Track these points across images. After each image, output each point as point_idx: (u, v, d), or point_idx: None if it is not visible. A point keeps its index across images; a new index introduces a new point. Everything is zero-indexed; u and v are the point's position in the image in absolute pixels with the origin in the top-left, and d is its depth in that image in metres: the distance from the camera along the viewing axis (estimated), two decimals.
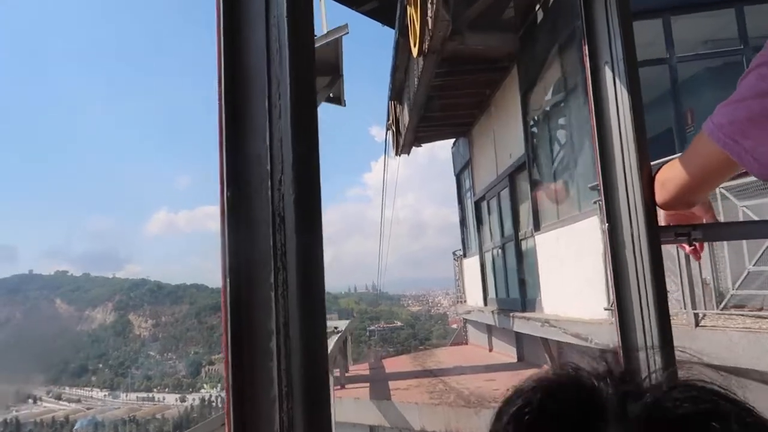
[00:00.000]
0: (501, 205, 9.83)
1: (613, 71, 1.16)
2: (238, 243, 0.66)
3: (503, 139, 9.40)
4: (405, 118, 11.05)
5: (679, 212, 1.13)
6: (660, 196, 1.07)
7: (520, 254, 8.90)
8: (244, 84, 0.69)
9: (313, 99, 0.69)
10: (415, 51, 7.75)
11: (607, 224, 1.14)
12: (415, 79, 8.84)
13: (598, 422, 0.33)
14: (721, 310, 4.65)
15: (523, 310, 8.82)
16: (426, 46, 7.69)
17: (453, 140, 13.26)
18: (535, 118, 7.87)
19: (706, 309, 4.80)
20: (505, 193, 9.38)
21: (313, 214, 0.68)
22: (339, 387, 8.43)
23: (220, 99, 0.67)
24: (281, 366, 0.63)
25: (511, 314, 8.65)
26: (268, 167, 0.66)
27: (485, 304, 11.17)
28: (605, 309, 5.96)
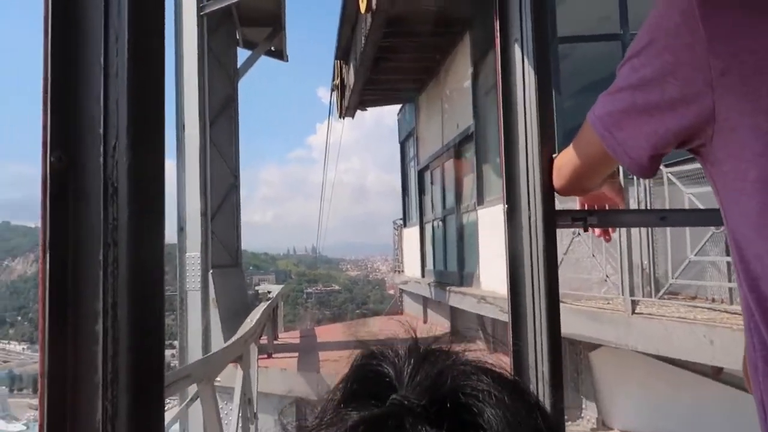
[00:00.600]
0: (444, 177, 9.61)
1: (522, 50, 1.14)
2: (62, 214, 0.59)
3: (451, 108, 9.10)
4: (351, 79, 10.59)
5: (594, 195, 1.15)
6: (556, 181, 1.08)
7: (461, 228, 8.75)
8: (75, 33, 0.61)
9: (160, 53, 0.62)
10: (363, 7, 7.27)
11: (506, 205, 1.15)
12: (362, 38, 8.38)
13: (392, 388, 0.38)
14: (658, 298, 4.54)
15: (460, 284, 8.70)
16: (374, 2, 7.19)
17: (399, 106, 12.82)
18: (486, 88, 7.56)
19: (643, 296, 4.69)
20: (450, 165, 9.16)
21: (152, 186, 0.62)
22: (266, 356, 8.10)
23: (45, 50, 0.59)
24: (107, 351, 0.58)
25: (448, 288, 8.53)
26: (101, 131, 0.60)
27: (423, 275, 11.05)
28: None
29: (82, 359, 0.58)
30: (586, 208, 1.21)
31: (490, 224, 7.34)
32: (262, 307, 8.27)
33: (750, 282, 0.68)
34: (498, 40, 1.19)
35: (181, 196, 9.46)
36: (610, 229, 1.21)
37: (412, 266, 12.16)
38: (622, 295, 4.70)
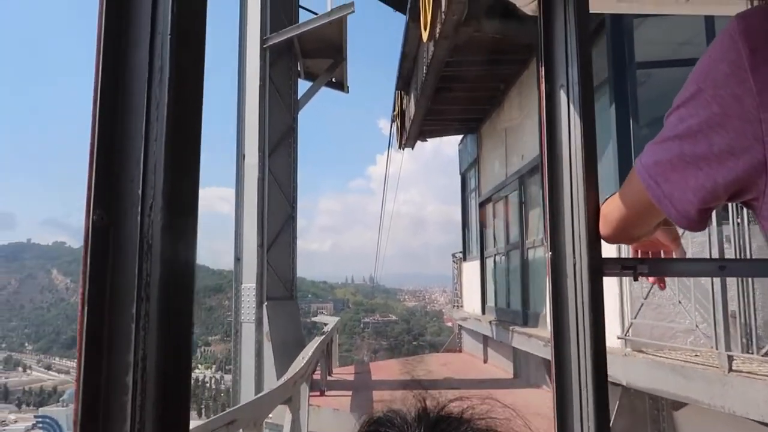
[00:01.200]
0: (508, 209, 9.16)
1: (567, 96, 1.14)
2: (101, 269, 0.63)
3: (515, 138, 8.70)
4: (411, 110, 10.40)
5: (647, 241, 1.11)
6: (603, 229, 1.07)
7: (525, 264, 8.26)
8: (122, 101, 0.66)
9: (197, 122, 0.67)
10: (425, 35, 7.08)
11: (550, 252, 1.12)
12: (424, 68, 8.15)
13: None
14: (763, 354, 3.92)
15: (524, 324, 8.16)
16: (438, 30, 6.98)
17: (460, 137, 12.48)
18: None
19: (740, 350, 4.08)
20: (514, 197, 8.72)
21: (184, 245, 0.65)
22: (318, 393, 7.78)
23: (93, 119, 0.65)
24: (136, 402, 0.61)
25: (511, 328, 8.05)
26: (139, 191, 0.64)
27: (483, 312, 10.53)
28: (618, 338, 5.26)
29: (112, 409, 0.61)
30: (639, 254, 1.17)
31: None
32: (316, 342, 8.00)
33: None
34: (542, 86, 1.19)
35: (238, 225, 9.40)
36: (663, 282, 1.17)
37: (471, 302, 11.67)
38: (716, 348, 4.11)
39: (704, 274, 1.38)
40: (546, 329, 7.36)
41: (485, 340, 10.68)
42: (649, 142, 0.82)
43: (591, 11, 1.23)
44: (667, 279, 1.19)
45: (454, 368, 10.55)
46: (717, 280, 4.29)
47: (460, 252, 13.04)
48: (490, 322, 9.61)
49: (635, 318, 5.11)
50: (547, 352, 6.77)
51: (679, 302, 4.66)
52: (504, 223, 9.66)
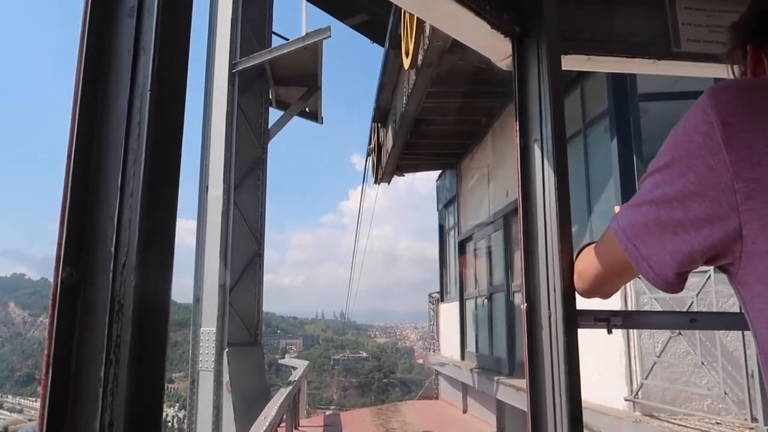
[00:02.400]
0: (491, 249, 8.56)
1: (541, 150, 1.18)
2: (69, 328, 0.61)
3: (500, 174, 8.17)
4: (388, 142, 9.85)
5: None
6: (578, 283, 1.10)
7: (511, 308, 7.65)
8: (98, 154, 0.65)
9: (175, 179, 0.66)
10: (407, 63, 6.55)
11: (525, 304, 1.16)
12: (404, 99, 7.56)
13: None
14: None
15: (510, 374, 7.46)
16: (420, 58, 6.39)
17: (438, 172, 11.92)
18: None
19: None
20: (498, 236, 8.15)
21: (158, 304, 0.63)
22: None
23: (67, 171, 0.63)
24: None
25: (496, 378, 7.31)
26: (112, 249, 0.63)
27: (462, 358, 9.82)
28: (626, 399, 4.58)
29: None
30: None
31: None
32: (281, 396, 7.14)
33: None
34: (517, 140, 1.25)
35: (198, 262, 8.53)
36: None
37: (450, 346, 10.99)
38: (751, 419, 3.47)
39: (675, 326, 1.42)
40: None
41: (465, 389, 9.95)
42: (623, 204, 0.86)
43: (564, 68, 1.28)
44: (685, 333, 1.32)
45: (432, 419, 9.75)
46: (737, 335, 3.71)
47: (437, 292, 12.34)
48: (471, 370, 8.91)
49: (646, 378, 4.45)
50: None
51: (702, 363, 4.03)
52: (486, 263, 9.07)
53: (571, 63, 1.45)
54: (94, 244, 0.61)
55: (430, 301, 13.23)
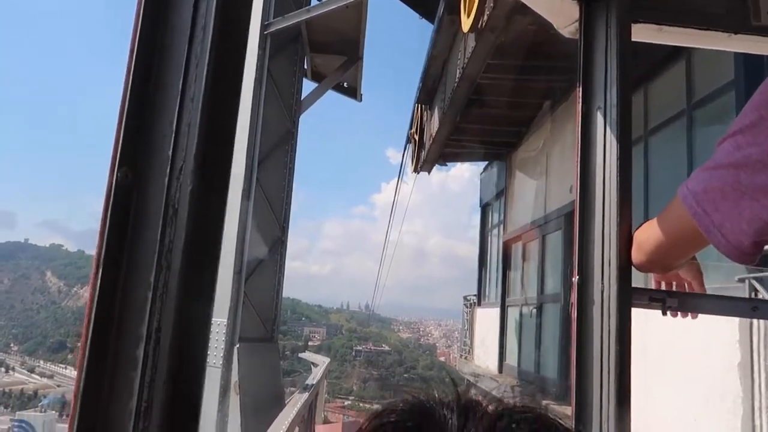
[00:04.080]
0: (545, 252, 7.32)
1: (605, 118, 1.17)
2: (121, 231, 0.59)
3: (560, 167, 7.01)
4: (433, 126, 8.71)
5: (669, 274, 1.14)
6: (635, 256, 1.07)
7: (566, 321, 6.46)
8: (160, 55, 0.62)
9: (238, 85, 0.65)
10: (466, 24, 5.39)
11: (577, 277, 1.14)
12: (458, 72, 6.43)
13: None
14: None
15: (561, 399, 6.26)
16: (485, 18, 5.22)
17: (484, 164, 10.74)
18: None
19: None
20: (555, 238, 7.02)
21: (213, 213, 0.62)
22: None
23: (128, 69, 0.61)
24: (145, 377, 0.57)
25: (543, 402, 5.90)
26: (170, 152, 0.60)
27: (500, 371, 8.73)
28: None
29: (118, 384, 0.58)
30: (662, 288, 1.19)
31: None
32: (297, 404, 6.11)
33: None
34: (579, 106, 1.24)
35: None
36: (690, 314, 1.16)
37: (485, 355, 9.93)
38: None
39: (735, 313, 1.24)
40: None
41: None
42: (697, 168, 0.82)
43: (633, 39, 1.28)
44: None
45: None
46: None
47: (474, 295, 11.17)
48: (513, 388, 7.68)
49: None
50: None
51: None
52: (538, 268, 7.93)
53: (641, 33, 1.34)
54: (152, 146, 0.60)
55: (465, 304, 12.10)
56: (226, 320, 7.61)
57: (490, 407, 0.42)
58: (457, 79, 7.41)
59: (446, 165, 11.24)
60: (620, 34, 1.20)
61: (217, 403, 7.70)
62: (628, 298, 1.07)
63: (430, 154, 10.63)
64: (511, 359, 9.38)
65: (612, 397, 1.04)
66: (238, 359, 7.60)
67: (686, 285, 1.14)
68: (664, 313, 1.10)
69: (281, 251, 8.46)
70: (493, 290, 10.71)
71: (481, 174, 12.28)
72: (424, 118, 10.72)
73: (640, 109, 5.84)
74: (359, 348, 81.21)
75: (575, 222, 1.15)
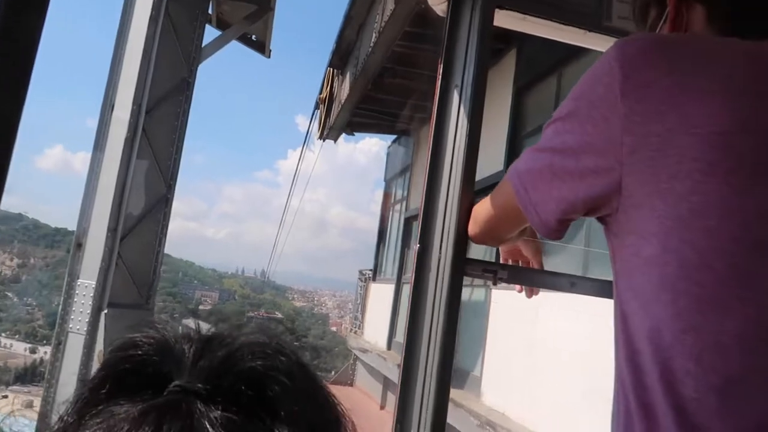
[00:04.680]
0: None
1: (460, 97, 1.22)
2: None
3: None
4: (343, 93, 8.27)
5: (514, 249, 1.21)
6: (471, 227, 1.14)
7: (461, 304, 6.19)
8: None
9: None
10: None
11: (419, 244, 1.20)
12: (373, 36, 6.02)
13: (173, 375, 0.37)
14: None
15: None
16: None
17: (393, 137, 10.51)
18: (531, 126, 5.31)
19: None
20: None
21: None
22: None
23: None
24: None
25: None
26: None
27: (389, 347, 8.63)
28: None
29: None
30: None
31: (509, 313, 5.56)
32: None
33: (628, 354, 0.74)
34: (438, 82, 1.29)
35: (87, 199, 6.55)
36: (533, 289, 1.29)
37: (375, 331, 9.81)
38: None
39: (557, 287, 1.40)
40: (479, 400, 5.50)
41: (386, 382, 8.79)
42: (527, 148, 0.88)
43: (495, 24, 1.33)
44: None
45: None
46: None
47: (370, 270, 11.00)
48: (399, 365, 7.55)
49: None
50: (473, 428, 4.92)
51: None
52: None
53: (505, 19, 1.43)
54: None
55: (360, 278, 11.91)
56: (94, 282, 6.83)
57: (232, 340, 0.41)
58: (372, 45, 7.01)
59: (353, 135, 10.88)
60: (483, 17, 1.25)
61: (77, 372, 6.95)
62: (462, 267, 1.13)
63: (337, 122, 10.18)
64: (401, 337, 9.28)
65: (437, 356, 1.11)
66: (105, 326, 6.87)
67: (530, 262, 1.23)
68: (495, 283, 1.20)
69: (165, 210, 7.71)
70: (390, 266, 10.52)
71: (388, 148, 12.01)
72: (335, 84, 10.21)
73: (552, 91, 5.75)
74: (251, 314, 79.61)
75: (423, 192, 1.20)
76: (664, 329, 0.68)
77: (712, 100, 0.69)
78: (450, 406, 4.78)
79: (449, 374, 1.12)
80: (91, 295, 6.98)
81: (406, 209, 9.92)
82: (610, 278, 0.82)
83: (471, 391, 5.92)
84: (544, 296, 4.50)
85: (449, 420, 4.48)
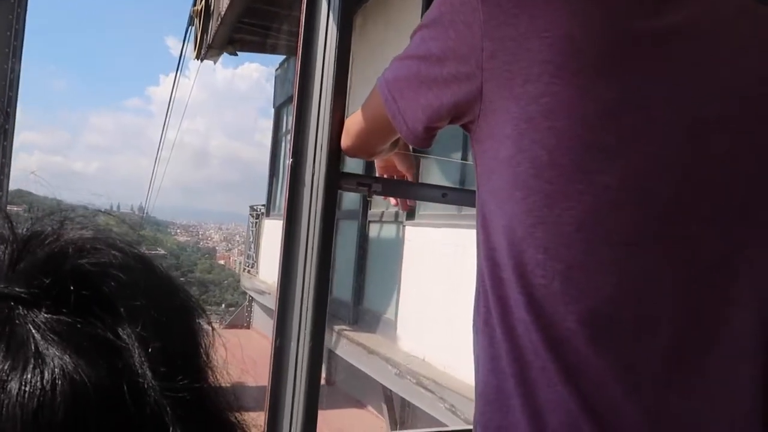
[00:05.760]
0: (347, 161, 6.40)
1: (329, 7, 1.19)
2: None
3: (372, 65, 5.96)
4: (223, 3, 6.96)
5: (389, 164, 1.23)
6: (344, 141, 1.13)
7: (364, 241, 6.55)
8: None
9: None
10: None
11: (291, 159, 1.18)
12: None
13: None
14: None
15: (353, 323, 5.85)
16: None
17: (282, 58, 9.42)
18: None
19: None
20: None
21: None
22: None
23: None
24: None
25: (336, 328, 5.57)
26: None
27: None
28: None
29: None
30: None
31: (426, 252, 4.96)
32: None
33: (487, 252, 0.77)
34: None
35: None
36: (408, 202, 1.33)
37: (272, 270, 8.91)
38: None
39: (430, 198, 1.48)
40: (395, 345, 5.09)
41: None
42: (395, 56, 0.87)
43: None
44: None
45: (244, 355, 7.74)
46: None
47: (262, 205, 10.12)
48: (277, 285, 6.97)
49: None
50: (395, 385, 4.56)
51: None
52: None
53: None
54: None
55: (251, 214, 10.97)
56: None
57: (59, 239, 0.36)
58: None
59: (236, 54, 9.49)
60: None
61: None
62: (336, 181, 1.15)
63: (217, 39, 8.75)
64: None
65: (314, 270, 1.11)
66: None
67: (404, 176, 1.24)
68: (369, 197, 1.22)
69: (5, 144, 6.27)
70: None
71: (276, 71, 10.75)
72: None
73: None
74: None
75: (294, 107, 1.18)
76: (517, 225, 0.72)
77: (561, 4, 0.70)
78: (362, 352, 4.10)
79: (326, 289, 1.14)
80: None
81: None
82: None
83: (385, 336, 5.42)
84: (467, 234, 3.94)
85: (364, 369, 3.91)
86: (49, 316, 0.31)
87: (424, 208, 5.23)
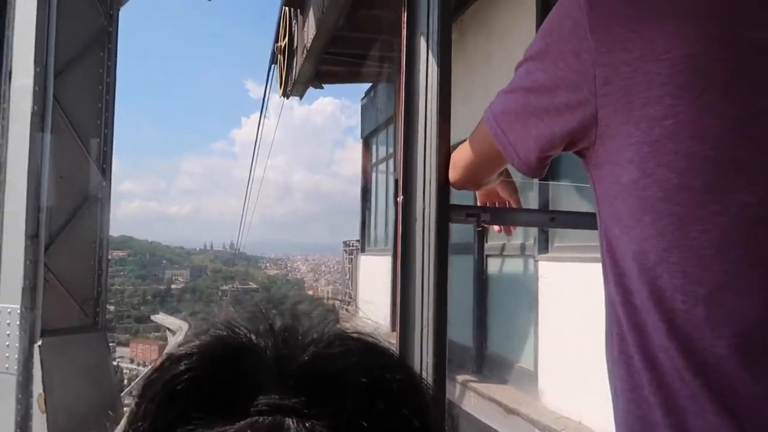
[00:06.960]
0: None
1: (427, 43, 1.21)
2: None
3: (469, 86, 5.41)
4: (308, 35, 6.67)
5: (491, 192, 1.23)
6: (451, 174, 1.16)
7: (482, 277, 5.78)
8: None
9: None
10: None
11: (402, 196, 1.21)
12: None
13: (254, 385, 0.32)
14: None
15: (477, 371, 5.52)
16: None
17: (367, 86, 9.04)
18: None
19: None
20: None
21: None
22: None
23: None
24: None
25: (460, 378, 4.89)
26: None
27: (393, 329, 7.07)
28: None
29: None
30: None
31: (564, 289, 4.29)
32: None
33: (616, 278, 0.76)
34: (404, 31, 1.27)
35: None
36: (511, 228, 1.32)
37: (372, 309, 8.43)
38: None
39: (538, 224, 1.43)
40: (536, 401, 4.33)
41: None
42: (500, 90, 0.88)
43: None
44: None
45: None
46: None
47: (356, 240, 9.67)
48: (396, 320, 6.33)
49: None
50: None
51: None
52: None
53: None
54: None
55: (345, 250, 10.59)
56: (19, 307, 5.27)
57: (315, 334, 0.36)
58: None
59: (322, 87, 9.23)
60: None
61: (14, 422, 5.49)
62: (447, 214, 1.16)
63: (302, 73, 8.47)
64: None
65: (431, 303, 1.12)
66: (42, 361, 5.36)
67: (506, 203, 1.23)
68: (479, 227, 1.22)
69: (103, 202, 6.09)
70: (380, 235, 9.01)
71: (362, 100, 10.39)
72: (295, 26, 8.55)
73: None
74: (225, 288, 79.23)
75: (400, 144, 1.20)
76: (649, 249, 0.71)
77: (676, 23, 0.70)
78: (502, 413, 3.23)
79: (445, 320, 1.13)
80: (17, 323, 5.41)
81: (395, 168, 8.49)
82: (589, 210, 0.86)
83: (525, 391, 4.62)
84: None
85: (477, 414, 3.03)
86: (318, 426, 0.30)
87: (560, 239, 4.49)
